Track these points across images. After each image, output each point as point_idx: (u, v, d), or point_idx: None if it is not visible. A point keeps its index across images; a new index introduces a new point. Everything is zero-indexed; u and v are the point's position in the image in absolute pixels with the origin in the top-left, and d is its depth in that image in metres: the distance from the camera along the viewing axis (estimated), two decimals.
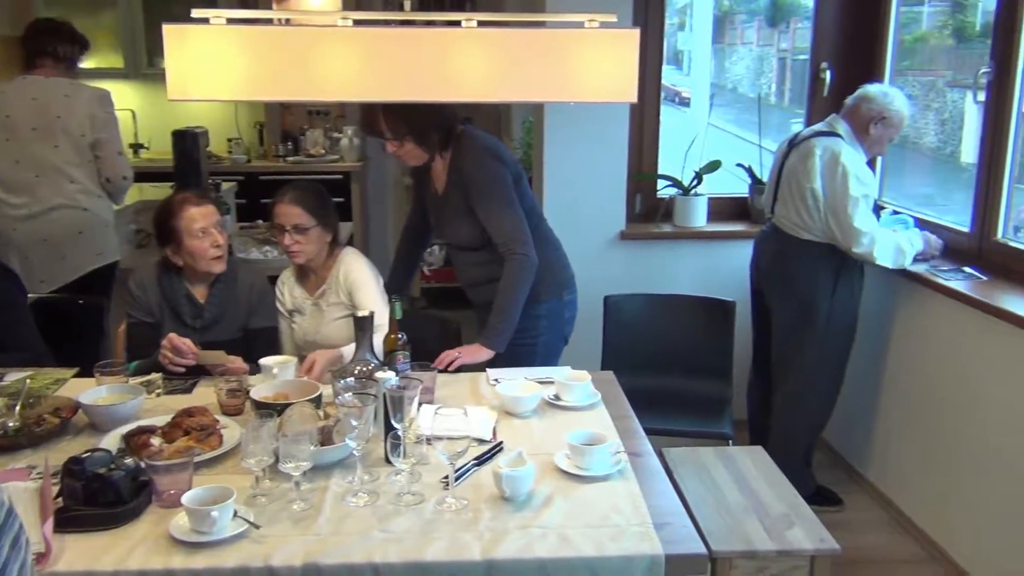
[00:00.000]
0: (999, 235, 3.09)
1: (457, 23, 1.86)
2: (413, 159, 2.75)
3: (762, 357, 3.58)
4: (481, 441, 2.11)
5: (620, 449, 2.06)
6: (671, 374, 3.28)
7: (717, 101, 9.00)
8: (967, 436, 2.97)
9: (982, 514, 2.88)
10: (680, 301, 3.39)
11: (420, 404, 2.07)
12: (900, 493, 3.42)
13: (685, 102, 8.04)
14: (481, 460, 2.02)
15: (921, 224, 3.42)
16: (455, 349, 2.66)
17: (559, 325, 2.93)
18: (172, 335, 2.46)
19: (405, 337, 2.29)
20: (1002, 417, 2.78)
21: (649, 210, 4.08)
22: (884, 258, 3.15)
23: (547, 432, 2.20)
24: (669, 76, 8.77)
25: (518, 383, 2.38)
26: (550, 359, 2.89)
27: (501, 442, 2.12)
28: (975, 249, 3.17)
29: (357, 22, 1.84)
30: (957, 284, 2.96)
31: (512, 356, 2.71)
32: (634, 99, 1.95)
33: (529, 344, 2.84)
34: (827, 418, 3.48)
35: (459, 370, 2.62)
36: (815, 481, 3.51)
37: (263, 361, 2.42)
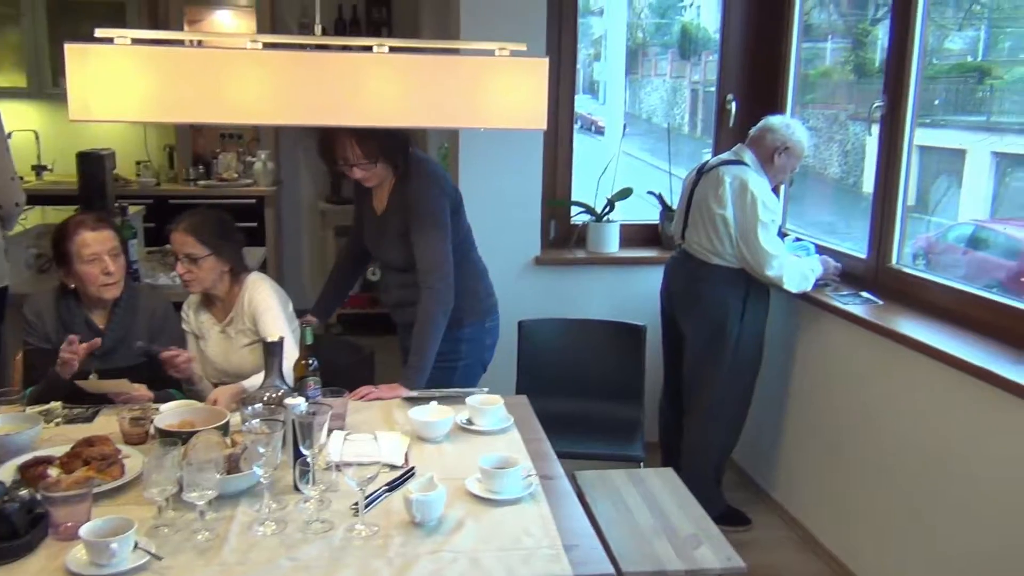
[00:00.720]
0: (893, 262, 3.23)
1: (369, 48, 1.86)
2: (376, 180, 2.78)
3: (673, 380, 3.65)
4: (392, 467, 2.10)
5: (532, 472, 2.07)
6: (584, 398, 3.32)
7: (632, 130, 9.19)
8: (866, 455, 3.08)
9: (883, 532, 2.98)
10: (593, 326, 3.43)
11: (330, 430, 2.04)
12: (805, 512, 3.51)
13: (601, 131, 8.20)
14: (392, 486, 2.00)
15: (821, 250, 3.55)
16: (374, 387, 2.64)
17: (480, 351, 2.95)
18: (72, 337, 2.42)
19: (316, 363, 2.26)
20: (898, 436, 2.90)
21: (563, 236, 4.14)
22: (791, 283, 3.26)
23: (459, 456, 2.20)
24: (585, 105, 8.94)
25: (430, 408, 2.37)
26: (469, 384, 2.89)
27: (413, 467, 2.11)
28: (872, 275, 3.30)
29: (267, 45, 1.83)
30: (855, 308, 3.08)
31: (432, 379, 2.71)
32: (544, 126, 1.98)
33: (449, 367, 2.84)
34: (736, 439, 3.56)
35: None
36: (725, 501, 3.58)
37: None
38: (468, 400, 2.42)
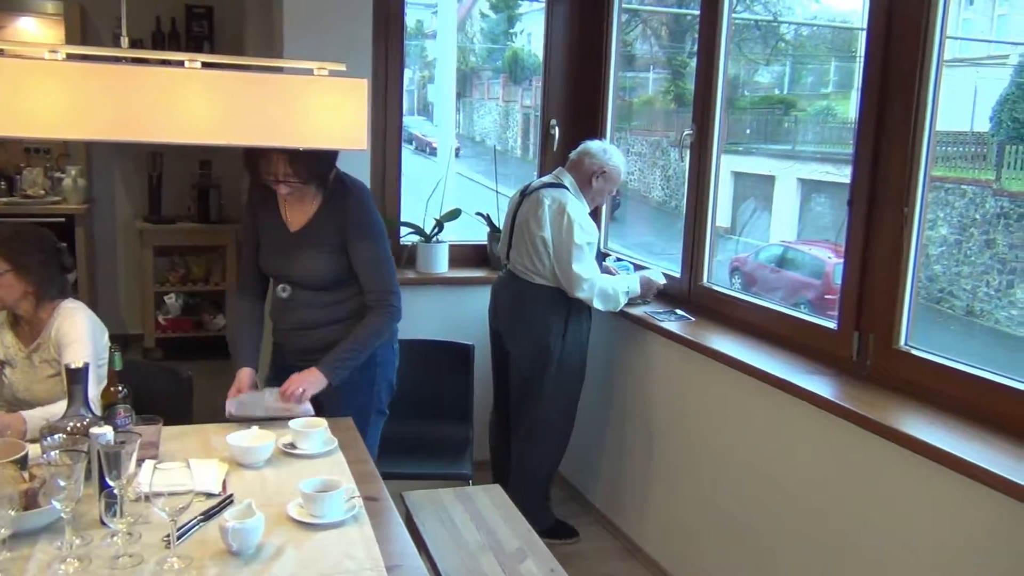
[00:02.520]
0: (705, 280, 3.42)
1: (180, 63, 1.81)
2: (299, 195, 2.70)
3: (502, 398, 3.71)
4: (209, 495, 2.03)
5: (355, 494, 2.05)
6: (414, 418, 3.32)
7: (468, 152, 9.32)
8: (682, 464, 3.24)
9: (701, 537, 3.14)
10: (422, 346, 3.44)
11: (142, 460, 1.95)
12: (629, 523, 3.65)
13: (435, 151, 8.25)
14: (208, 515, 1.93)
15: (639, 269, 3.71)
16: (293, 383, 2.58)
17: (390, 373, 2.91)
18: None
19: (126, 390, 2.15)
20: (711, 445, 3.06)
21: (393, 256, 4.12)
22: (599, 303, 3.37)
23: (281, 482, 2.15)
24: (420, 126, 8.99)
25: (250, 433, 2.31)
26: (382, 408, 2.88)
27: (231, 495, 2.04)
28: (685, 293, 3.49)
29: (71, 56, 1.74)
30: (670, 325, 3.24)
31: (347, 404, 2.69)
32: (364, 146, 1.98)
33: (365, 392, 2.81)
34: (562, 454, 3.65)
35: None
36: (553, 515, 3.66)
37: None
38: (291, 424, 2.38)
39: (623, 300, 3.43)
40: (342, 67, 1.98)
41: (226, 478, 2.14)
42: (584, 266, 3.33)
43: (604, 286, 3.38)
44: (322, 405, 2.76)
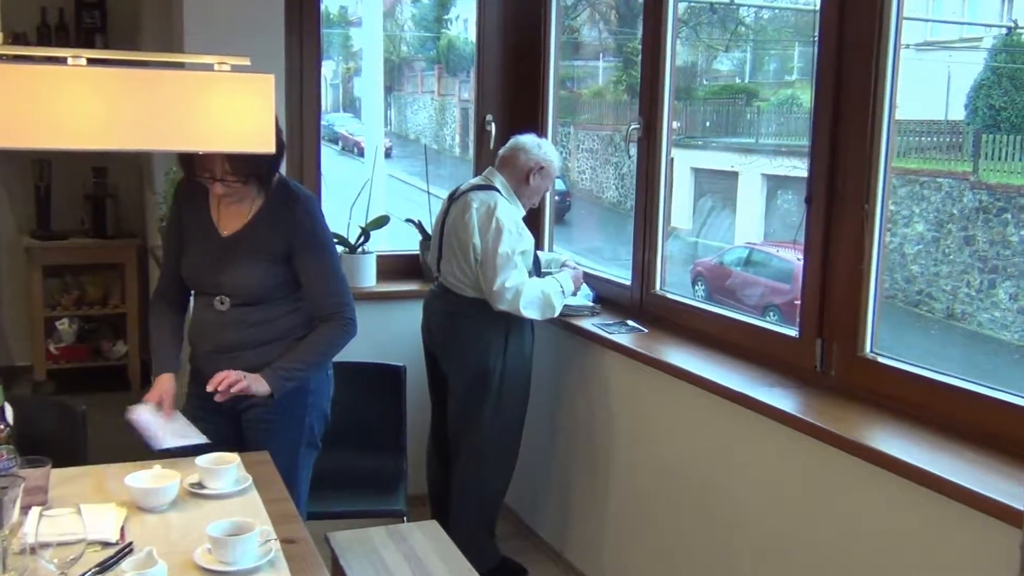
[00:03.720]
0: (657, 287, 3.49)
1: (63, 60, 1.81)
2: (238, 198, 2.71)
3: (439, 424, 3.72)
4: (105, 544, 2.02)
5: (271, 537, 2.05)
6: (340, 449, 3.30)
7: (400, 152, 9.32)
8: (637, 489, 3.29)
9: (661, 571, 3.19)
10: (348, 368, 3.42)
11: (27, 507, 1.94)
12: (583, 557, 3.68)
13: (363, 152, 8.27)
14: (104, 566, 1.92)
15: (587, 276, 3.77)
16: (232, 374, 2.61)
17: (324, 402, 2.92)
18: None
19: (8, 428, 2.13)
20: (667, 468, 3.12)
21: None
22: (531, 311, 3.37)
23: (187, 526, 2.14)
24: (346, 124, 8.97)
25: (151, 473, 2.30)
26: (315, 442, 2.88)
27: (130, 543, 2.03)
28: (636, 302, 3.55)
29: None
30: (620, 338, 3.29)
31: (277, 439, 2.69)
32: (271, 148, 1.99)
33: (296, 424, 2.80)
34: (507, 484, 3.67)
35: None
36: (499, 552, 3.69)
37: None
38: (198, 460, 2.37)
39: (559, 303, 3.43)
40: (246, 61, 1.99)
41: (124, 524, 2.12)
42: (509, 277, 3.32)
43: (534, 292, 3.37)
44: (245, 438, 2.75)
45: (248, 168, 2.62)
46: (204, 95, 1.89)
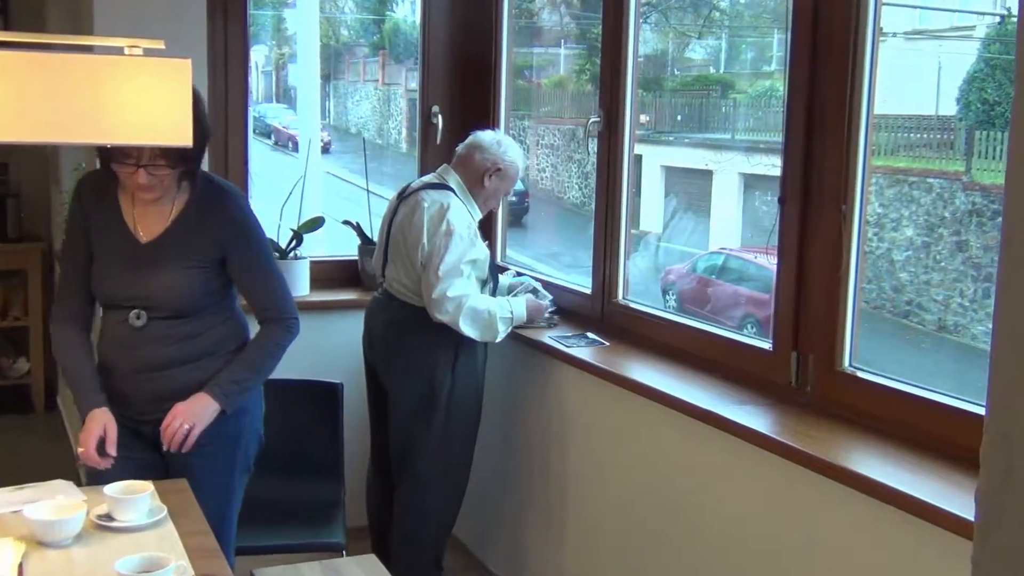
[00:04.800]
0: (620, 297, 3.52)
1: None
2: (159, 192, 2.65)
3: (381, 447, 3.72)
4: None
5: (187, 574, 2.05)
6: (271, 476, 3.29)
7: (341, 147, 9.27)
8: (597, 517, 3.31)
9: None
10: (280, 386, 3.40)
11: None
12: None
13: (298, 147, 8.24)
14: None
15: (545, 285, 3.79)
16: (177, 416, 2.60)
17: (257, 423, 2.91)
18: None
19: None
20: (628, 492, 3.14)
21: None
22: (470, 328, 3.37)
23: (94, 562, 2.13)
24: (279, 116, 8.92)
25: (52, 504, 2.28)
26: (248, 464, 2.87)
27: None
28: (597, 312, 3.58)
29: None
30: (579, 351, 3.32)
31: (206, 467, 2.68)
32: (189, 142, 2.00)
33: (228, 447, 2.78)
34: (456, 512, 3.67)
35: None
36: None
37: None
38: (106, 489, 2.35)
39: (503, 328, 3.43)
40: (160, 45, 1.99)
41: (23, 561, 2.11)
42: (453, 286, 3.32)
43: (478, 308, 3.37)
44: (169, 466, 2.72)
45: (180, 152, 2.51)
46: (112, 82, 1.89)
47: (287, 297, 2.86)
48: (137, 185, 2.59)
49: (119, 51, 1.95)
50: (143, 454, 2.72)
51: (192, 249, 2.70)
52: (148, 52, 1.96)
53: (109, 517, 2.31)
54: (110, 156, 2.58)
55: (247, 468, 2.87)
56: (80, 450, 2.62)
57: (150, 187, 2.60)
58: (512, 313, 3.47)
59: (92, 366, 2.77)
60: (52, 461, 3.51)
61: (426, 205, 3.41)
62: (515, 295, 3.60)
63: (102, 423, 2.62)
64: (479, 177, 3.53)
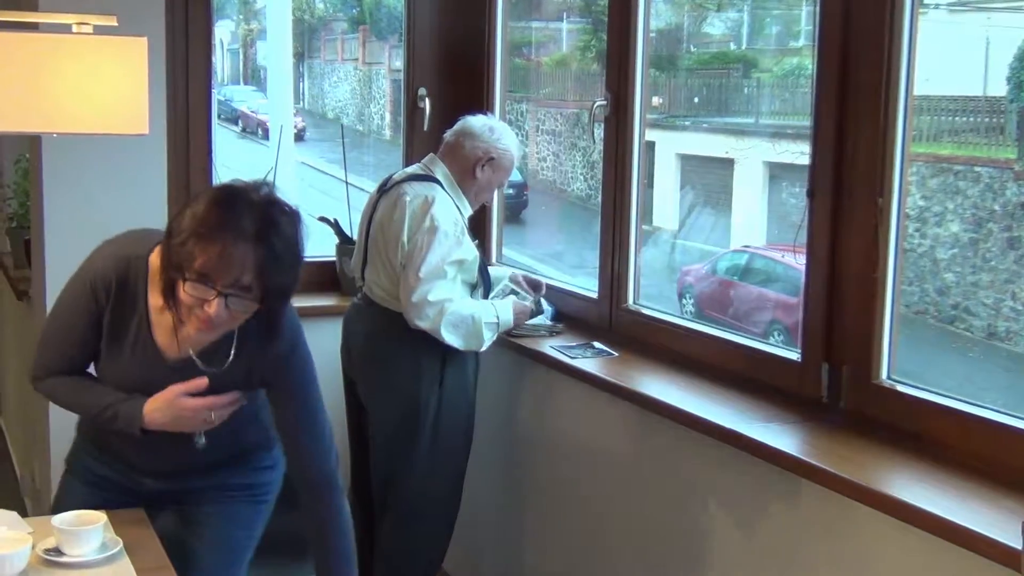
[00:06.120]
0: (629, 302, 3.52)
1: None
2: (227, 327, 2.40)
3: (361, 470, 3.71)
4: None
5: None
6: None
7: (316, 134, 9.26)
8: (605, 550, 3.31)
9: None
10: None
11: None
12: None
13: (268, 134, 8.23)
14: None
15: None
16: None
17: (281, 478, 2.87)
18: None
19: None
20: (641, 522, 3.15)
21: None
22: (453, 336, 3.37)
23: None
24: (248, 99, 8.91)
25: None
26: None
27: None
28: (605, 319, 3.58)
29: None
30: (584, 363, 3.32)
31: (238, 517, 2.72)
32: (145, 130, 2.01)
33: (260, 502, 2.81)
34: (446, 543, 3.67)
35: None
36: None
37: None
38: (55, 520, 2.35)
39: (488, 336, 3.43)
40: (112, 21, 2.00)
41: None
42: (434, 289, 3.32)
43: (461, 314, 3.36)
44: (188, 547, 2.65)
45: (278, 285, 2.29)
46: (57, 63, 1.89)
47: (335, 457, 2.65)
48: (205, 318, 2.28)
49: (66, 29, 1.95)
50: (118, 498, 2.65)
51: (228, 381, 2.49)
52: (99, 30, 1.97)
53: (58, 551, 2.31)
54: (180, 268, 2.23)
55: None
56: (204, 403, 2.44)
57: (218, 325, 2.34)
58: (498, 318, 3.46)
59: (102, 384, 2.54)
60: None
61: (408, 199, 3.41)
62: (494, 297, 3.60)
63: (169, 390, 2.42)
64: (469, 168, 3.52)
